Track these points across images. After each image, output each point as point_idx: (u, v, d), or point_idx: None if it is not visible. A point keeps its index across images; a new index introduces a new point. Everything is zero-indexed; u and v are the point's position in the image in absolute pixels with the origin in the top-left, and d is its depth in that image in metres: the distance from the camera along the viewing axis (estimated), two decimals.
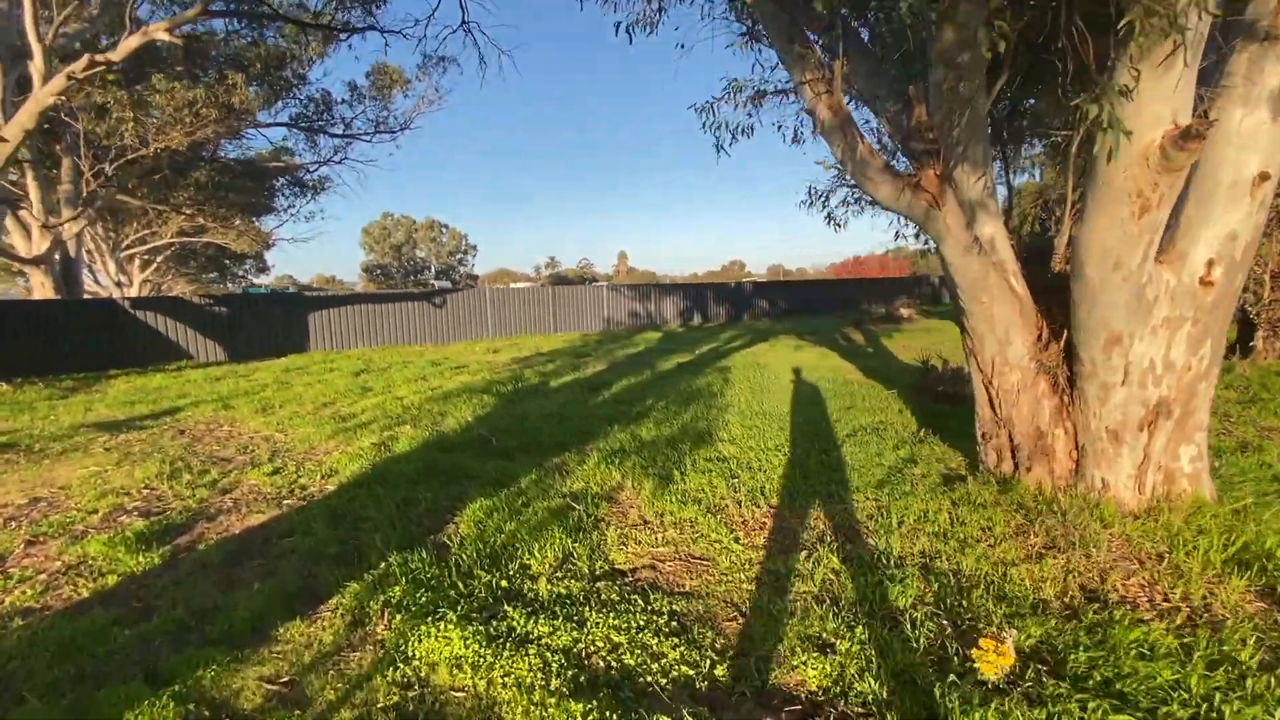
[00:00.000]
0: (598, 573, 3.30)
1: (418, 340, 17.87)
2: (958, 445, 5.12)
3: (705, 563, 3.39)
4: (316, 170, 21.45)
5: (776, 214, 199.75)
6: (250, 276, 37.10)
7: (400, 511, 4.25)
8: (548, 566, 3.35)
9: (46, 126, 11.33)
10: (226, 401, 8.78)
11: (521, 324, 19.91)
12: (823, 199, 6.00)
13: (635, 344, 15.96)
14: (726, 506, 4.12)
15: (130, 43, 7.87)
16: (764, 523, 3.87)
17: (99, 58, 7.62)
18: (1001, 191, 4.26)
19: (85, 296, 17.69)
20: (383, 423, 7.17)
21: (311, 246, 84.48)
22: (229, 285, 35.65)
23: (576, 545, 3.58)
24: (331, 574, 3.34)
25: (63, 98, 8.04)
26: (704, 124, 4.71)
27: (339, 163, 20.77)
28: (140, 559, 3.60)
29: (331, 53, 18.49)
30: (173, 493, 4.94)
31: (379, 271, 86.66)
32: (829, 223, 6.02)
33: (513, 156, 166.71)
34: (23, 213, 14.41)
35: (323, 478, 5.20)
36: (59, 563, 3.66)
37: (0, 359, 11.01)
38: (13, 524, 4.37)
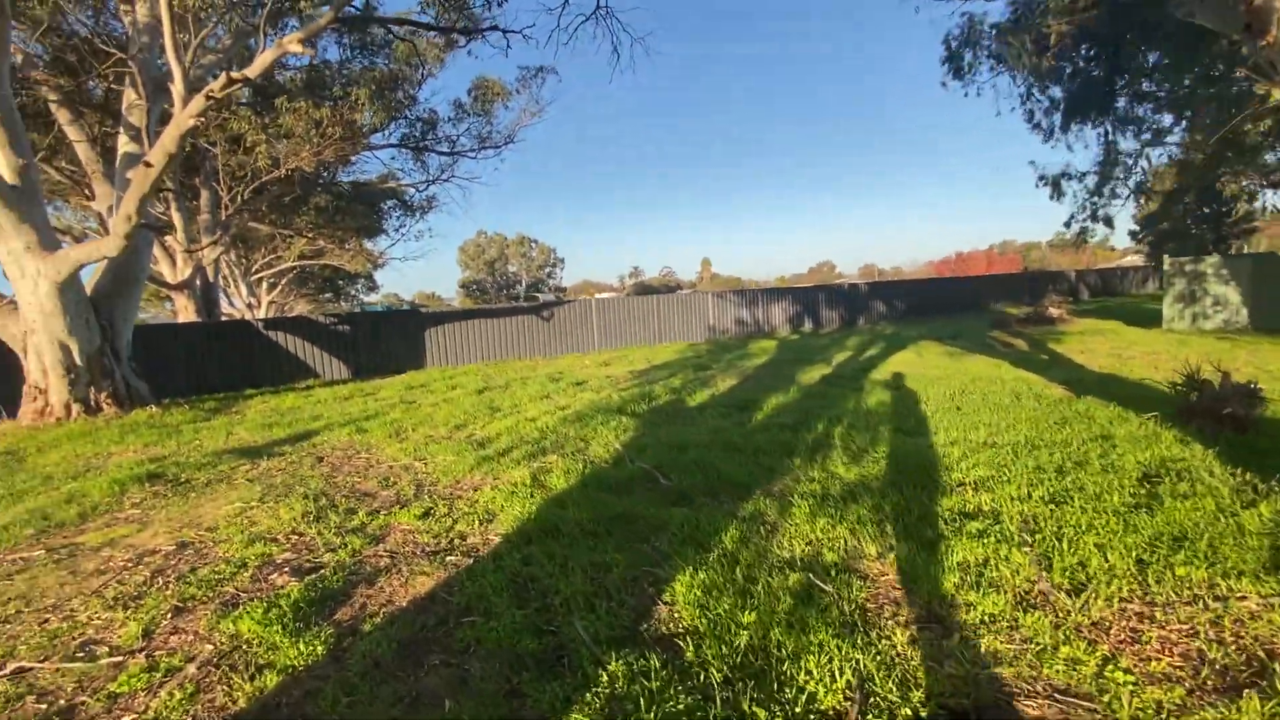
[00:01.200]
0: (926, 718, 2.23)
1: (527, 354, 17.55)
2: None
3: (1092, 708, 2.24)
4: (425, 189, 21.82)
5: (865, 213, 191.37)
6: (361, 295, 38.98)
7: (592, 582, 3.37)
8: (842, 698, 2.32)
9: (188, 151, 11.81)
10: (359, 425, 8.44)
11: (626, 335, 19.24)
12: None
13: (754, 354, 14.80)
14: (1048, 596, 2.93)
15: (265, 57, 7.73)
16: (1128, 629, 2.66)
17: (235, 75, 7.49)
18: None
19: (222, 318, 18.69)
20: (523, 450, 6.46)
21: (415, 264, 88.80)
22: (343, 304, 37.58)
23: (865, 659, 2.53)
24: (541, 690, 2.47)
25: (201, 120, 8.01)
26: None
27: (446, 180, 20.99)
28: (300, 647, 2.89)
29: (439, 71, 18.69)
30: (322, 541, 4.33)
31: (474, 287, 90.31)
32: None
33: (592, 166, 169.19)
34: (168, 240, 15.25)
35: (481, 523, 4.45)
36: (209, 646, 3.02)
37: (152, 380, 11.41)
38: (159, 579, 3.87)
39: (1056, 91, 19.80)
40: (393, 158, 20.31)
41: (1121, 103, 20.35)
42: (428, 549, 4.09)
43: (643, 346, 18.91)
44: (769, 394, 8.88)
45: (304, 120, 10.76)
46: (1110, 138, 21.02)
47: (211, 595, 3.58)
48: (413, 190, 21.54)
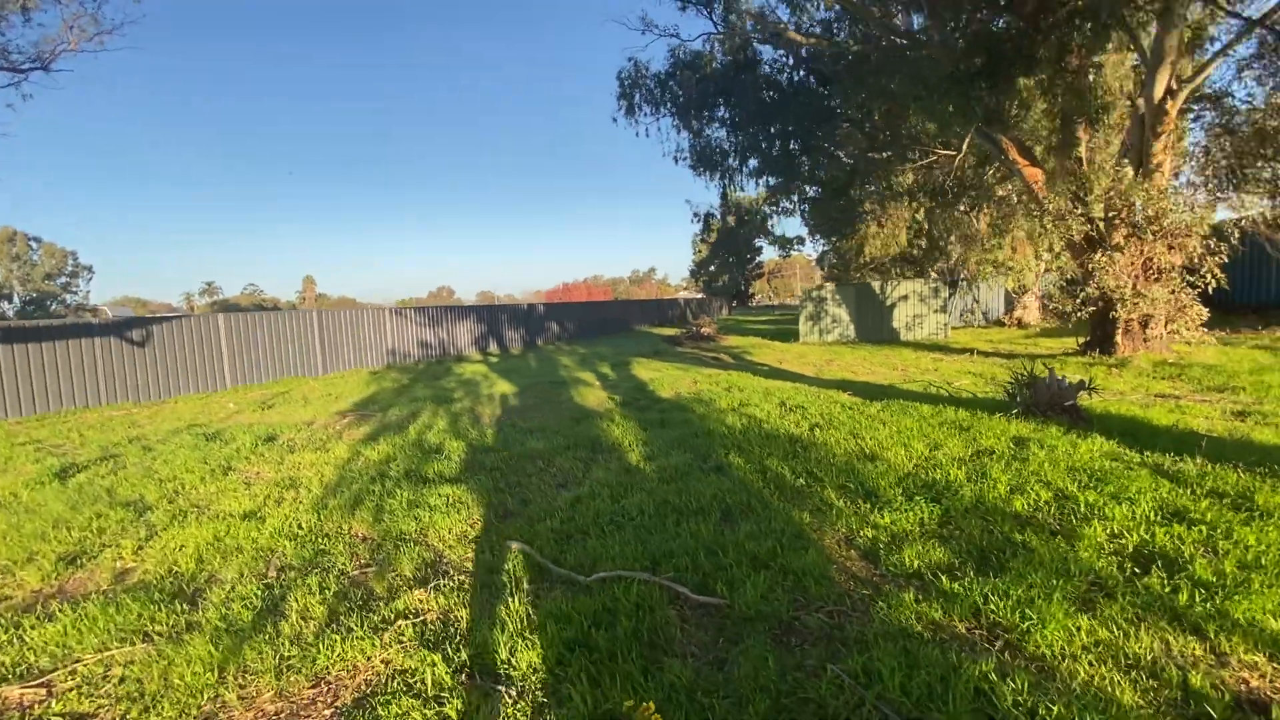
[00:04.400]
0: None
1: (103, 399, 11.11)
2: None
3: None
4: None
5: (484, 240, 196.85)
6: None
7: None
8: None
9: None
10: None
11: (277, 365, 14.18)
12: None
13: (479, 380, 12.38)
14: None
15: None
16: None
17: None
18: None
19: None
20: (313, 587, 3.26)
21: None
22: None
23: None
24: None
25: None
26: None
27: None
28: None
29: None
30: None
31: None
32: None
33: (150, 150, 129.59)
34: None
35: None
36: None
37: None
38: None
39: (687, 142, 22.95)
40: None
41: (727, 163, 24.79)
42: None
43: (305, 379, 14.12)
44: (587, 427, 6.99)
45: None
46: (726, 189, 25.67)
47: None
48: None
